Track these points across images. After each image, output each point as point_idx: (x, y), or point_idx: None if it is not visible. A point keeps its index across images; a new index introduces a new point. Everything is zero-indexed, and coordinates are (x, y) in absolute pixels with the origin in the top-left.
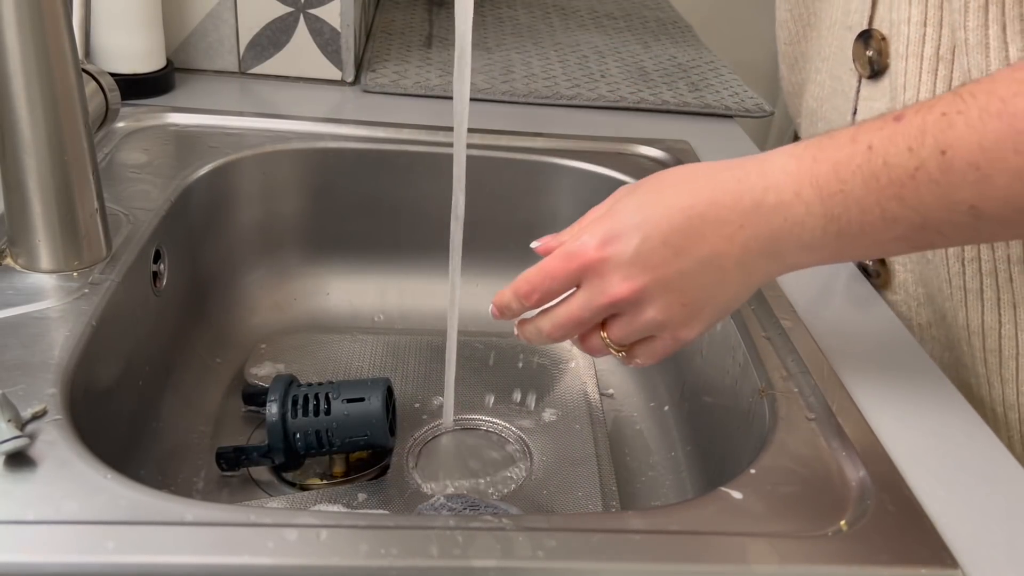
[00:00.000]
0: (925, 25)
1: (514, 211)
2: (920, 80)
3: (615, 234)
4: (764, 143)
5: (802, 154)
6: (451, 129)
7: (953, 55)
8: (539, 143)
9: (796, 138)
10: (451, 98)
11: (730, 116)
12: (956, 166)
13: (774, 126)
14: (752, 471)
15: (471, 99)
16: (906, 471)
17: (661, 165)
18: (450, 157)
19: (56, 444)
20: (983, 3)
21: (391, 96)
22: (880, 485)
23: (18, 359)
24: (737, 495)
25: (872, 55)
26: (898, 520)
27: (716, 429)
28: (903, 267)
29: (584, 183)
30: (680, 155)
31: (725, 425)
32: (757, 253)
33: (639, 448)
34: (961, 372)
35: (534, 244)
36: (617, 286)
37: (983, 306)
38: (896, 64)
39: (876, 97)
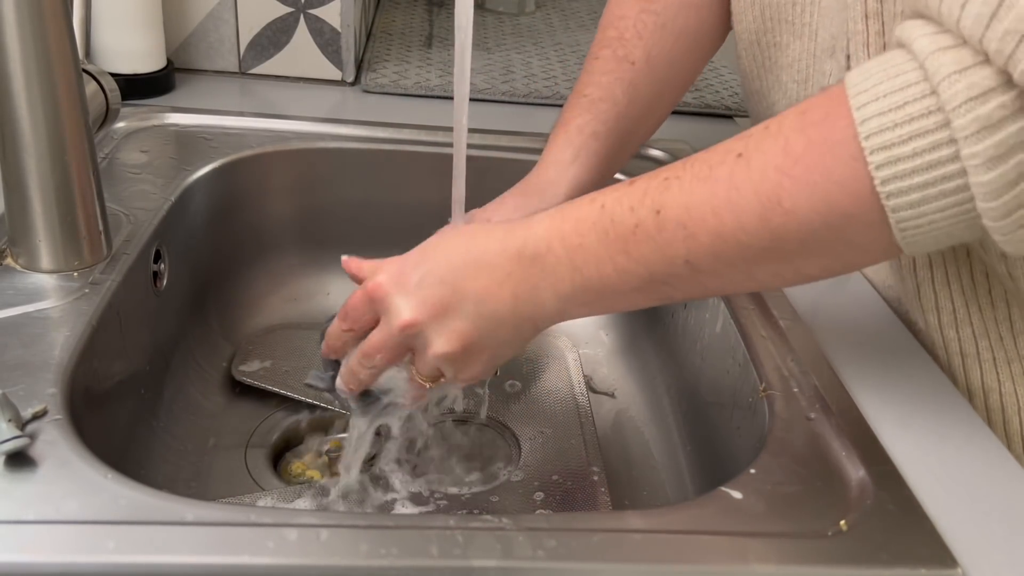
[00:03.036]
0: None
1: None
2: None
3: (402, 272)
4: None
5: (555, 213)
6: (451, 129)
7: None
8: (539, 143)
9: None
10: (451, 98)
11: (730, 116)
12: (667, 225)
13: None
14: (752, 471)
15: (471, 99)
16: (906, 471)
17: (661, 165)
18: (450, 157)
19: (56, 444)
20: None
21: (391, 96)
22: (880, 485)
23: (18, 359)
24: (737, 495)
25: None
26: (898, 520)
27: (716, 429)
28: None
29: None
30: (680, 155)
31: (725, 425)
32: (524, 300)
33: (639, 448)
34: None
35: (344, 257)
36: (402, 315)
37: (981, 368)
38: None
39: None
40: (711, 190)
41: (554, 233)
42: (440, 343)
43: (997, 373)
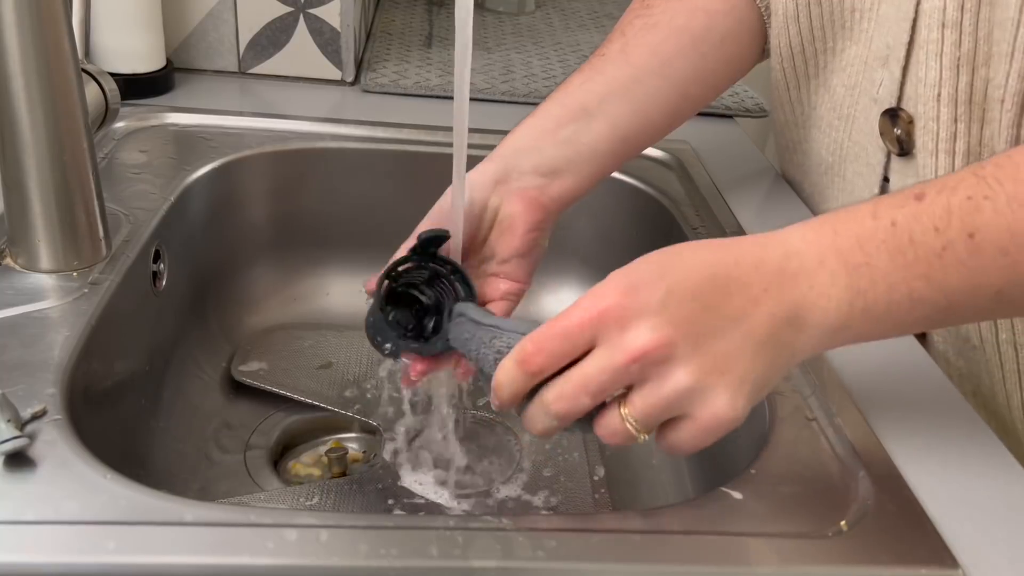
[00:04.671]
0: (956, 122)
1: None
2: (954, 171)
3: (638, 284)
4: (764, 143)
5: (820, 227)
6: (451, 129)
7: (981, 147)
8: None
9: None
10: (451, 98)
11: (730, 116)
12: (985, 250)
13: (774, 127)
14: (752, 471)
15: (471, 99)
16: (906, 471)
17: (661, 165)
18: (450, 157)
19: (56, 444)
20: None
21: (391, 96)
22: (880, 485)
23: (18, 359)
24: (737, 495)
25: (900, 135)
26: (898, 520)
27: None
28: (942, 339)
29: None
30: (680, 155)
31: None
32: (783, 321)
33: (639, 448)
34: (1012, 447)
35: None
36: (642, 338)
37: None
38: (924, 158)
39: (908, 174)
40: None
41: (827, 248)
42: (686, 373)
43: None
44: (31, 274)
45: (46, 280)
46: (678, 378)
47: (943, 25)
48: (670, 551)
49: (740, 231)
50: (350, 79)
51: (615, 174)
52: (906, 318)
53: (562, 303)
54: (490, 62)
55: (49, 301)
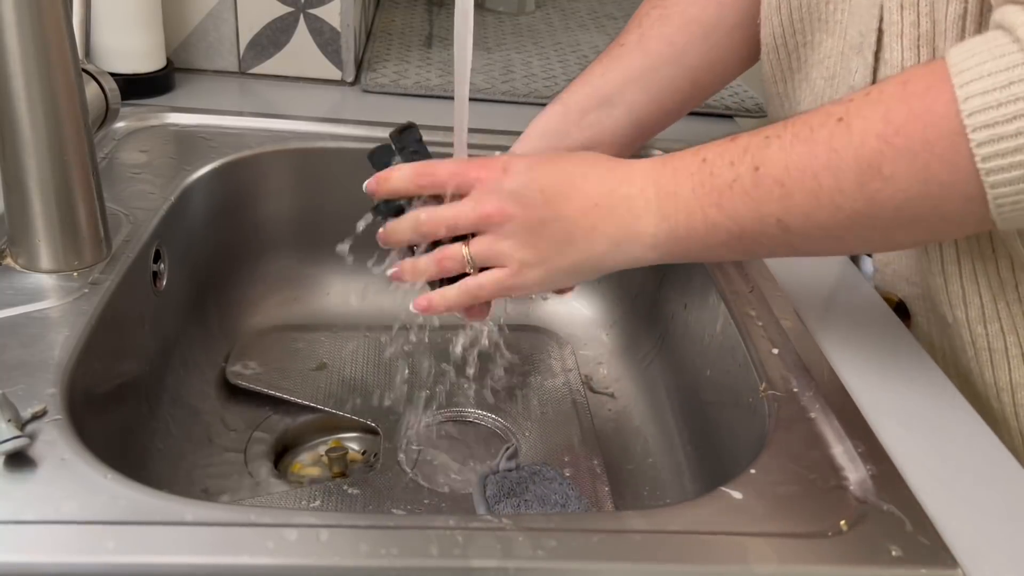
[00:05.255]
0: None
1: None
2: None
3: (513, 167)
4: None
5: (658, 160)
6: (451, 129)
7: None
8: None
9: None
10: (451, 98)
11: (730, 116)
12: (764, 182)
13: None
14: (752, 471)
15: (471, 99)
16: (906, 471)
17: None
18: (450, 157)
19: (56, 444)
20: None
21: (391, 96)
22: (880, 485)
23: (18, 359)
24: (737, 495)
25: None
26: (898, 520)
27: (716, 429)
28: (925, 320)
29: None
30: None
31: (725, 425)
32: (601, 234)
33: (639, 448)
34: (991, 425)
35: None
36: (493, 205)
37: (1009, 364)
38: None
39: None
40: (811, 151)
41: (650, 179)
42: (512, 243)
43: None
44: (31, 274)
45: (46, 280)
46: (506, 244)
47: (902, 7)
48: (670, 551)
49: None
50: (350, 79)
51: None
52: (707, 241)
53: (562, 303)
54: (490, 62)
55: (49, 301)
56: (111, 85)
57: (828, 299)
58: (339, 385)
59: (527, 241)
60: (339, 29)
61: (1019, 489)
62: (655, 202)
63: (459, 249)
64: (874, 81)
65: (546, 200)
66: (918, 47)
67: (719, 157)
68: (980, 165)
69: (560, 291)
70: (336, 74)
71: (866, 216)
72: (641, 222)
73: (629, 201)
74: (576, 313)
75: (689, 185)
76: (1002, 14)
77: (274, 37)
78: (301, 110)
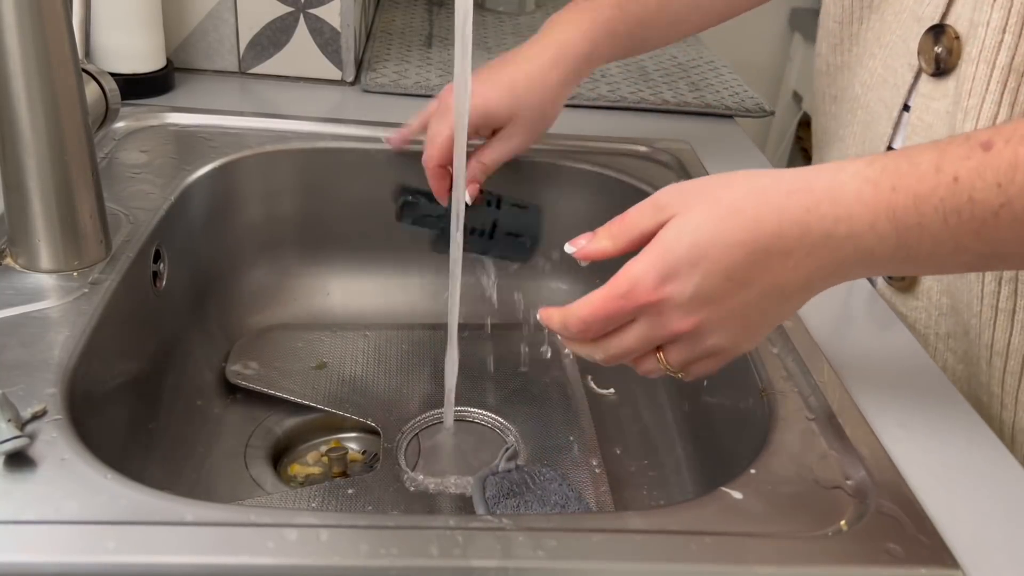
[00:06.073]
0: (1004, 32)
1: None
2: (987, 89)
3: (672, 272)
4: (764, 143)
5: (879, 180)
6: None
7: None
8: (539, 143)
9: (798, 136)
10: None
11: (730, 116)
12: None
13: (774, 126)
14: (752, 471)
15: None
16: (906, 471)
17: (661, 165)
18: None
19: (56, 444)
20: None
21: (391, 96)
22: (880, 485)
23: (18, 359)
24: (737, 495)
25: (941, 52)
26: (898, 520)
27: (716, 429)
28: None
29: (584, 183)
30: (680, 155)
31: (725, 425)
32: (820, 279)
33: (639, 448)
34: (974, 387)
35: (569, 249)
36: (678, 323)
37: (1013, 327)
38: (966, 68)
39: (937, 96)
40: None
41: (882, 211)
42: (717, 336)
43: None
44: (31, 274)
45: (46, 280)
46: (710, 342)
47: None
48: (670, 551)
49: None
50: (350, 79)
51: (616, 173)
52: (946, 263)
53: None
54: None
55: (49, 301)
56: (111, 85)
57: (829, 299)
58: (339, 385)
59: (734, 327)
60: (339, 29)
61: (1019, 489)
62: (893, 237)
63: (656, 364)
64: (946, 15)
65: (739, 284)
66: None
67: (978, 177)
68: None
69: None
70: (336, 74)
71: None
72: (872, 256)
73: (855, 240)
74: None
75: (941, 214)
76: None
77: (274, 37)
78: (301, 110)
